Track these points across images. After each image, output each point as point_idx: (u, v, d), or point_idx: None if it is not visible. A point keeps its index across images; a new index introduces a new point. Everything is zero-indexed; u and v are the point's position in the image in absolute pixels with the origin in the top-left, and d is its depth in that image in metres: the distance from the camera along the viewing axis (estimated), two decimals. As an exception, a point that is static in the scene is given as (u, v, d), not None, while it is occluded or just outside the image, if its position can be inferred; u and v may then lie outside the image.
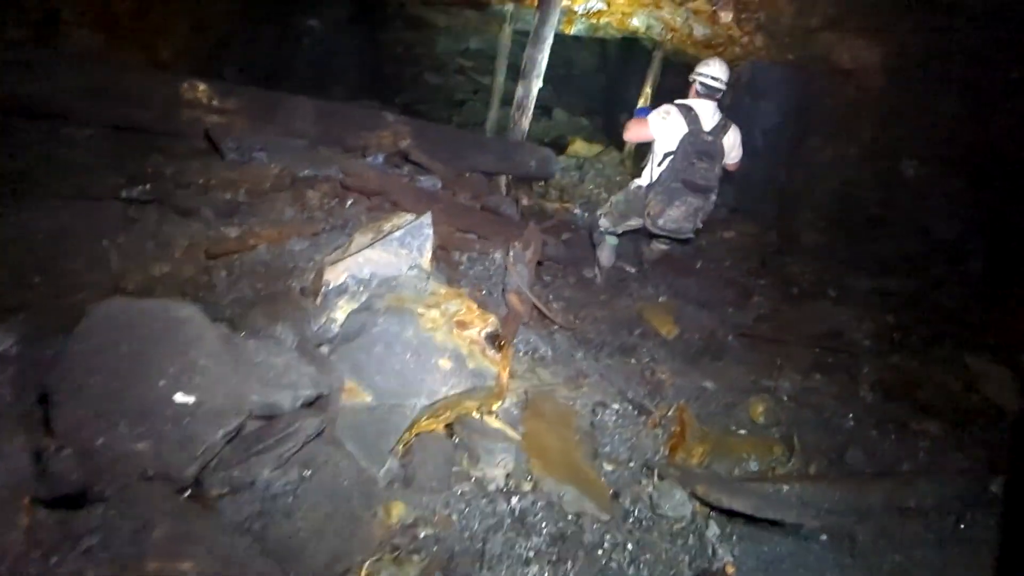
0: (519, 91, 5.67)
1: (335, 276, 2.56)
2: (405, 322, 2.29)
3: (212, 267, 2.68)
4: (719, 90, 4.05)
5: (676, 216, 4.09)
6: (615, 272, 4.95)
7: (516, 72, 5.71)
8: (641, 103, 8.56)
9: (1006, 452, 3.13)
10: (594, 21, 7.89)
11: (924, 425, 3.34)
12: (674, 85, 9.71)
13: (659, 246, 4.78)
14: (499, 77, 6.84)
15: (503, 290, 3.61)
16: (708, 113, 4.01)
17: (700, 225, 4.26)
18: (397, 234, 2.75)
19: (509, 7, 6.79)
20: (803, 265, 5.54)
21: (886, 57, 5.37)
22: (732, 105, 8.00)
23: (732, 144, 4.14)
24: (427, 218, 2.84)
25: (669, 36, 7.31)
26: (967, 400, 3.70)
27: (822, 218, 5.93)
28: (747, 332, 4.30)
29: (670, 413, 2.98)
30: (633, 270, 5.04)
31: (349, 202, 3.51)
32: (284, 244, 2.92)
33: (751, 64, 7.22)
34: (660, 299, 4.62)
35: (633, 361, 3.66)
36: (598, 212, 4.83)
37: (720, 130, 4.04)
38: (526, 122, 5.75)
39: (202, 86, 3.56)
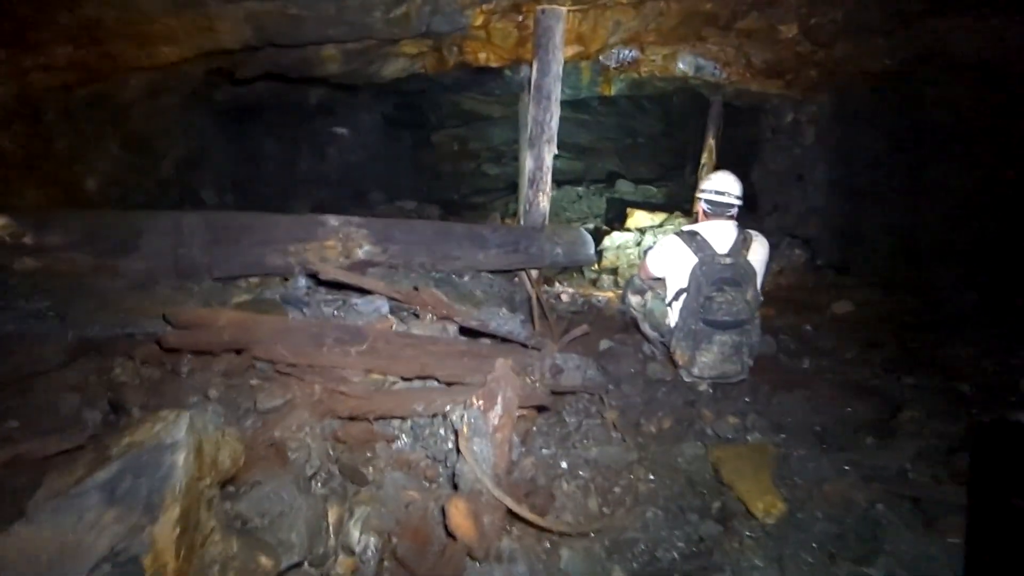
0: (529, 163, 4.17)
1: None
2: None
3: None
4: (730, 205, 3.17)
5: (710, 361, 3.09)
6: (683, 394, 3.16)
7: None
8: (704, 159, 6.84)
9: None
10: (634, 75, 6.34)
11: None
12: (743, 135, 7.94)
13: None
14: (524, 153, 5.37)
15: (456, 488, 1.98)
16: (721, 233, 3.12)
17: (751, 362, 3.16)
18: (104, 474, 1.21)
19: (524, 71, 5.41)
20: (967, 344, 3.47)
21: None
22: (818, 142, 6.12)
23: (762, 258, 3.17)
24: (179, 427, 1.29)
25: (724, 75, 5.61)
26: None
27: (979, 271, 3.85)
28: (914, 492, 2.35)
29: None
30: (706, 385, 3.22)
31: (186, 370, 2.05)
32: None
33: (834, 87, 5.36)
34: (748, 437, 2.77)
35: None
36: (626, 289, 3.73)
37: (741, 247, 3.09)
38: (544, 200, 4.21)
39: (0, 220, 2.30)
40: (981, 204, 3.81)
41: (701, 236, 3.09)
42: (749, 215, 4.12)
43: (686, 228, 3.25)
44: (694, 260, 3.05)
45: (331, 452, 2.02)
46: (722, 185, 3.19)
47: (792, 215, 6.30)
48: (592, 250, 4.27)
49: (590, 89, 6.86)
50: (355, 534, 1.72)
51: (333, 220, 3.22)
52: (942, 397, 3.08)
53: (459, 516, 1.77)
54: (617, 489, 2.42)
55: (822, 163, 5.90)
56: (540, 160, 4.11)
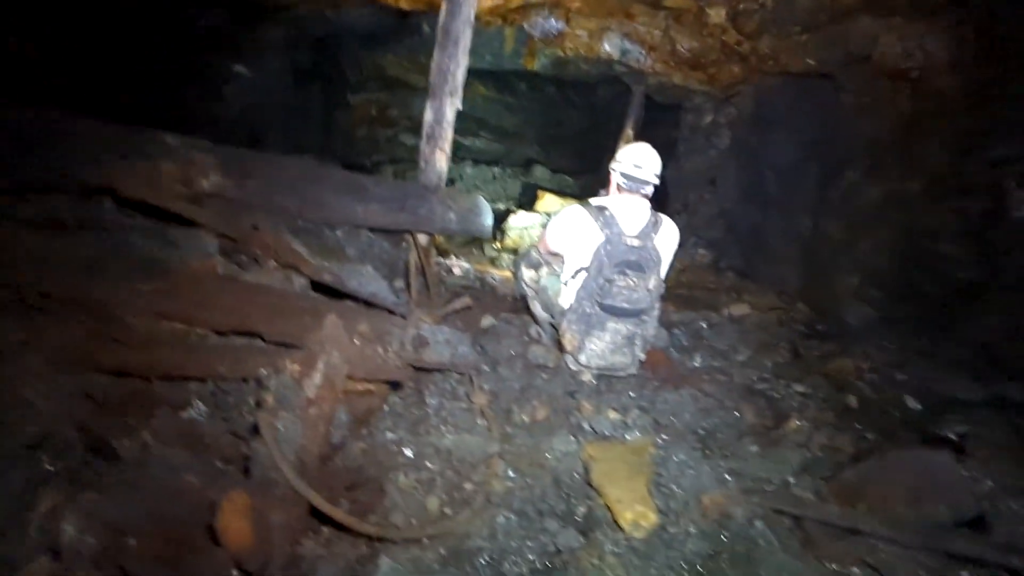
0: (427, 115, 3.67)
1: None
2: None
3: None
4: (645, 183, 2.78)
5: (600, 350, 2.78)
6: (564, 383, 2.80)
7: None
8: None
9: None
10: (559, 51, 5.98)
11: None
12: (663, 134, 7.72)
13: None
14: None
15: (247, 475, 1.50)
16: (632, 212, 2.77)
17: (642, 356, 2.88)
18: None
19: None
20: (857, 357, 3.33)
21: (963, 44, 3.30)
22: (734, 146, 5.99)
23: (670, 244, 2.86)
24: None
25: (649, 61, 5.34)
26: None
27: (875, 284, 3.75)
28: (790, 509, 2.08)
29: None
30: (591, 375, 2.88)
31: None
32: None
33: (754, 88, 5.21)
34: (628, 435, 2.44)
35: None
36: (519, 260, 3.30)
37: (651, 230, 2.76)
38: (442, 159, 3.72)
39: None
40: (883, 217, 3.70)
41: (610, 212, 2.73)
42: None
43: (595, 201, 2.86)
44: (600, 238, 2.69)
45: (77, 416, 1.48)
46: (641, 159, 2.79)
47: (700, 217, 6.16)
48: (489, 220, 3.85)
49: (513, 60, 6.44)
50: (70, 531, 1.20)
51: (171, 139, 2.62)
52: (829, 408, 2.89)
53: (232, 514, 1.30)
54: (468, 486, 2.01)
55: (734, 167, 5.77)
56: (440, 113, 3.62)
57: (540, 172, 9.86)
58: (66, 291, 1.61)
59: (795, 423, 2.68)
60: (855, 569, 1.92)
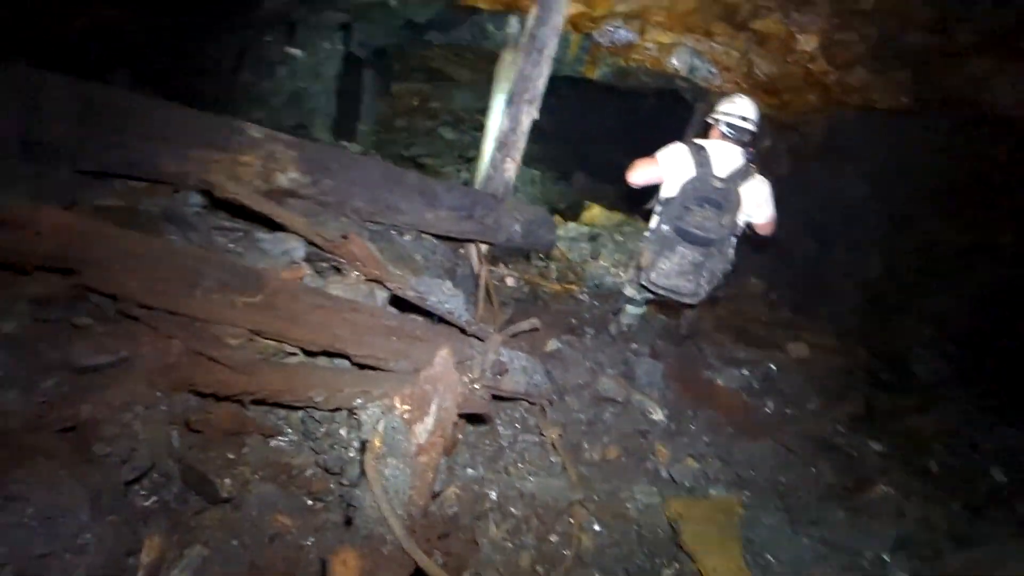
0: (504, 122, 3.52)
1: None
2: None
3: None
4: (747, 132, 2.93)
5: (668, 270, 2.94)
6: (633, 420, 2.64)
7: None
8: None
9: None
10: (622, 62, 5.82)
11: None
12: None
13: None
14: (492, 113, 4.63)
15: (348, 524, 1.36)
16: (725, 157, 2.87)
17: (706, 288, 2.97)
18: None
19: (512, 26, 4.73)
20: (933, 416, 3.15)
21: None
22: (792, 175, 5.79)
23: (755, 196, 2.90)
24: None
25: (720, 81, 5.14)
26: None
27: (949, 338, 3.55)
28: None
29: None
30: (662, 414, 2.71)
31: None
32: None
33: (826, 118, 4.99)
34: (711, 489, 2.27)
35: None
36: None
37: (738, 177, 2.84)
38: (512, 168, 3.57)
39: None
40: (967, 267, 3.50)
41: (706, 153, 2.84)
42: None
43: (696, 140, 2.94)
44: (692, 173, 2.83)
45: (174, 445, 1.34)
46: (747, 111, 2.94)
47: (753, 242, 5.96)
48: (554, 234, 3.70)
49: (573, 67, 6.23)
50: (177, 593, 1.06)
51: (255, 131, 2.47)
52: (912, 473, 2.72)
53: (345, 579, 1.15)
54: (554, 538, 1.86)
55: (794, 195, 5.56)
56: (516, 121, 3.46)
57: (580, 178, 9.65)
58: (162, 300, 1.47)
59: (881, 488, 2.51)
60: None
